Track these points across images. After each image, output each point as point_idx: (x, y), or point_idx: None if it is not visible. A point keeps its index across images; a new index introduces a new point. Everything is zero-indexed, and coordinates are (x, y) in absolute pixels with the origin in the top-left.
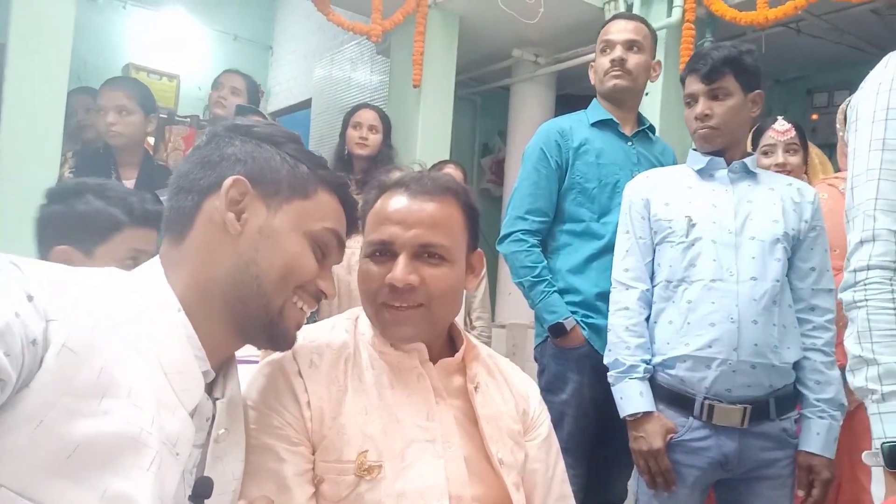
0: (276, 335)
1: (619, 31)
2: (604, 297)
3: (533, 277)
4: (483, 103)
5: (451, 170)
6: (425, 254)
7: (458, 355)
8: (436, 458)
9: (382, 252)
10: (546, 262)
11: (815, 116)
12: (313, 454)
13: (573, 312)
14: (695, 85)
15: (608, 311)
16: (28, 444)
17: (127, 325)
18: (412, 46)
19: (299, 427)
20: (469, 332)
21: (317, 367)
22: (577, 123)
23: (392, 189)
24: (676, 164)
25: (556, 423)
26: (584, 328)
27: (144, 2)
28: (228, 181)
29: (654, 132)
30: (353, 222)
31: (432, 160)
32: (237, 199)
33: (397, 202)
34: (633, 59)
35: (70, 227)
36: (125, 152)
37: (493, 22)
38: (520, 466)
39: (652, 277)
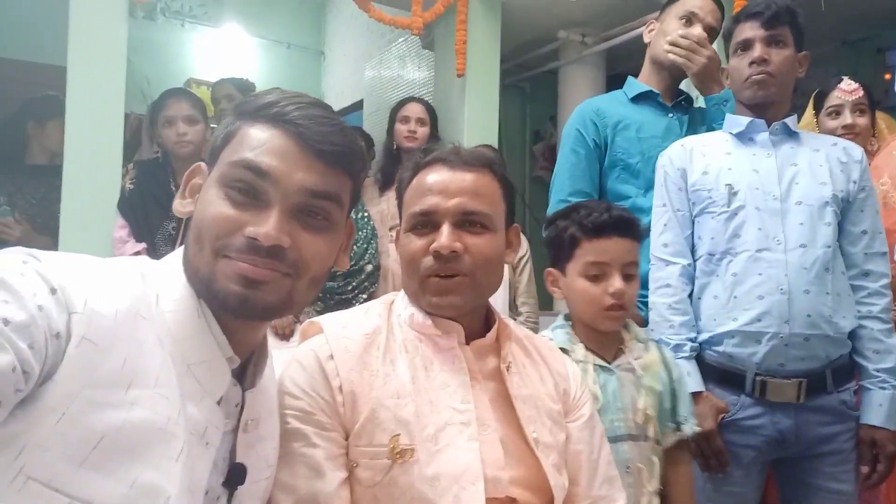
0: (219, 298)
1: (707, 11)
2: None
3: None
4: (532, 90)
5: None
6: (467, 222)
7: (491, 335)
8: (471, 440)
9: (425, 224)
10: None
11: (888, 76)
12: (346, 439)
13: None
14: (752, 31)
15: None
16: (53, 436)
17: (150, 316)
18: (455, 37)
19: (331, 412)
20: (515, 318)
21: (349, 351)
22: (614, 101)
23: (429, 164)
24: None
25: None
26: (640, 308)
27: (201, 18)
28: (188, 171)
29: (691, 103)
30: (313, 138)
31: None
32: (200, 183)
33: (437, 174)
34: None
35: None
36: (186, 162)
37: (536, 4)
38: (560, 447)
39: (692, 251)
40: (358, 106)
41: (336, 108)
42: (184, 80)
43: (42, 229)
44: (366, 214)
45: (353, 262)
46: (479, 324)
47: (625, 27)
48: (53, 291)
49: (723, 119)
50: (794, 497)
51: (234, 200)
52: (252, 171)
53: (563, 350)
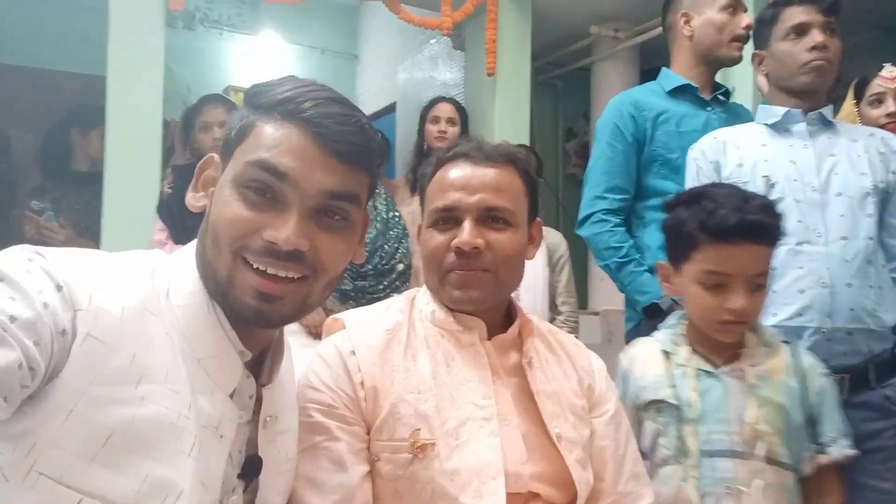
0: (233, 308)
1: None
2: None
3: (619, 258)
4: (564, 87)
5: None
6: (489, 218)
7: (512, 330)
8: (491, 435)
9: (446, 219)
10: (632, 241)
11: None
12: (368, 433)
13: None
14: (809, 15)
15: None
16: (62, 433)
17: (159, 311)
18: (485, 36)
19: (354, 407)
20: (555, 318)
21: (371, 347)
22: (651, 93)
23: (452, 159)
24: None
25: None
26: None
27: (239, 27)
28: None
29: (728, 96)
30: (332, 138)
31: None
32: (213, 175)
33: (459, 170)
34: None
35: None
36: None
37: (567, 0)
38: (584, 442)
39: None
40: (391, 108)
41: (369, 111)
42: (223, 87)
43: (85, 233)
44: (397, 214)
45: (384, 262)
46: (501, 319)
47: (658, 21)
48: (59, 288)
49: None
50: None
51: (251, 201)
52: (270, 173)
53: (666, 353)
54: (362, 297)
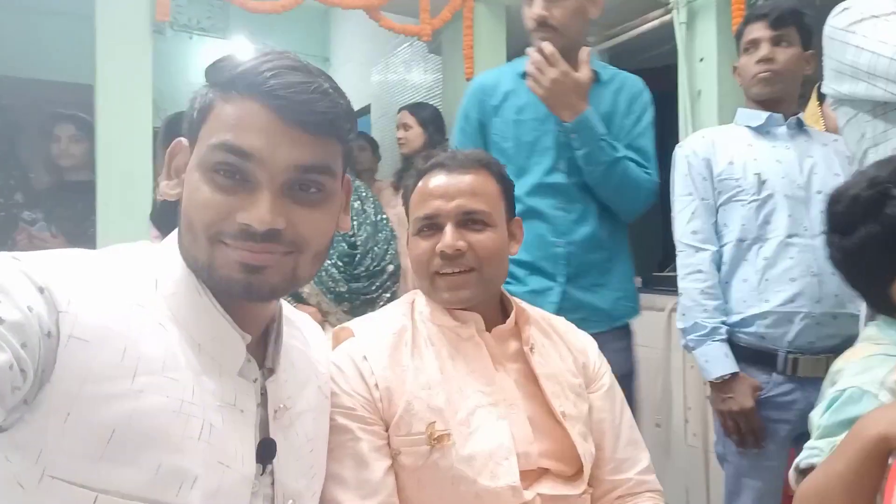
0: (221, 286)
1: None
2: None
3: None
4: None
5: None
6: (469, 221)
7: (510, 320)
8: (500, 420)
9: (430, 226)
10: None
11: None
12: (387, 431)
13: None
14: (759, 31)
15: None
16: (65, 436)
17: (148, 302)
18: (462, 41)
19: (371, 408)
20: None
21: (380, 351)
22: (503, 76)
23: (430, 170)
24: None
25: None
26: None
27: (209, 31)
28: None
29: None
30: (295, 109)
31: None
32: (183, 161)
33: (437, 179)
34: None
35: None
36: None
37: None
38: (585, 418)
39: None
40: (366, 110)
41: None
42: (191, 91)
43: (77, 242)
44: (384, 217)
45: (375, 264)
46: (496, 311)
47: (625, 26)
48: (41, 291)
49: (578, 148)
50: None
51: (220, 185)
52: (234, 154)
53: None
54: (356, 298)
